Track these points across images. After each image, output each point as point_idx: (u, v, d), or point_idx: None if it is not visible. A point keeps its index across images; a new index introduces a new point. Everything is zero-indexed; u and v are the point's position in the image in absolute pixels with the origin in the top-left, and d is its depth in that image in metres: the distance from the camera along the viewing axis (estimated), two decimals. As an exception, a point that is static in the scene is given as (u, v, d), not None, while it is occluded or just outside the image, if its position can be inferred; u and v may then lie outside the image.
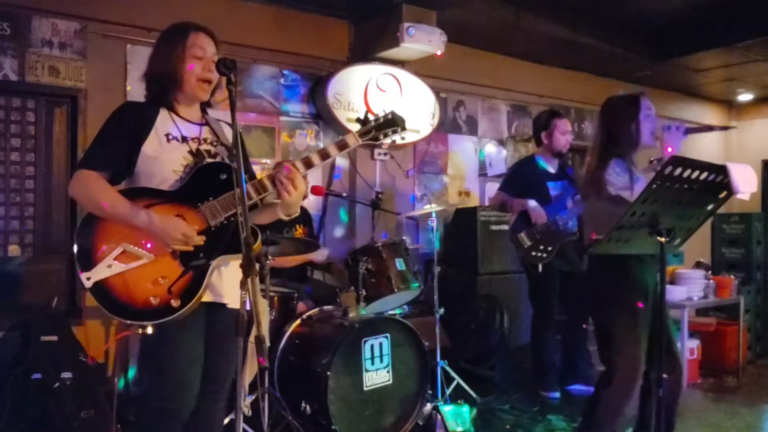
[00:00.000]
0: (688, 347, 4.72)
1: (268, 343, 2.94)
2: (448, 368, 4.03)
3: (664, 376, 2.51)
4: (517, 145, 6.62)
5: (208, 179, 2.04)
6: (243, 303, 1.71)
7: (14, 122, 4.19)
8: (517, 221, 4.35)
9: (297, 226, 4.20)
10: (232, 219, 2.01)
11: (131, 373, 3.95)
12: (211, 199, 2.03)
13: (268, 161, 5.01)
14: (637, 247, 2.54)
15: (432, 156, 6.00)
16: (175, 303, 1.95)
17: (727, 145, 8.91)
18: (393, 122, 2.19)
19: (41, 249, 4.27)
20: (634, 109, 2.86)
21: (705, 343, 5.00)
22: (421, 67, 5.62)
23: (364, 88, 5.29)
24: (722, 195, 2.43)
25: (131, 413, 3.45)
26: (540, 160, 4.48)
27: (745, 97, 8.50)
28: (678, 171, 2.23)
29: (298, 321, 3.56)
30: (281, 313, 3.62)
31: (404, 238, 4.58)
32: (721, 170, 2.31)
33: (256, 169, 4.68)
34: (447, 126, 6.10)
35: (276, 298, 3.60)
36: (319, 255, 4.20)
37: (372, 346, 3.38)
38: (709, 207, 2.51)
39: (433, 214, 4.06)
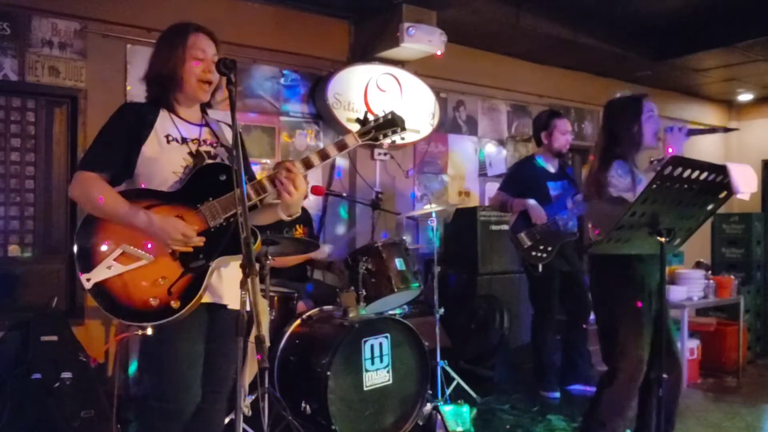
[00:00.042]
0: (688, 347, 4.73)
1: (268, 343, 2.94)
2: (448, 368, 4.03)
3: (664, 376, 2.51)
4: (517, 145, 6.62)
5: (207, 180, 2.04)
6: (243, 303, 1.71)
7: (14, 122, 4.19)
8: (517, 221, 4.35)
9: (297, 226, 4.20)
10: (232, 220, 2.01)
11: (131, 371, 3.95)
12: (210, 200, 2.03)
13: (268, 161, 5.01)
14: (637, 247, 2.54)
15: (432, 156, 6.00)
16: (174, 304, 1.95)
17: (727, 145, 8.91)
18: (393, 122, 2.18)
19: (41, 249, 4.27)
20: (637, 110, 2.86)
21: (705, 343, 5.00)
22: (421, 67, 5.62)
23: (364, 88, 5.28)
24: (722, 195, 2.43)
25: (131, 413, 3.45)
26: (540, 160, 4.48)
27: (745, 97, 8.50)
28: (678, 171, 2.24)
29: (298, 321, 3.56)
30: (281, 313, 3.62)
31: (404, 238, 4.58)
32: (721, 170, 2.31)
33: (256, 169, 4.71)
34: (447, 126, 6.09)
35: (276, 298, 3.60)
36: (321, 252, 4.20)
37: (372, 346, 3.38)
38: (709, 207, 2.51)
39: (433, 214, 4.06)
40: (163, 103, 2.13)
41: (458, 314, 4.94)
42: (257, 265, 1.72)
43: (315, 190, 4.18)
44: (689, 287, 4.77)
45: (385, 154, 5.60)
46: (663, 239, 2.41)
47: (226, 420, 2.55)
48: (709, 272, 5.24)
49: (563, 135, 4.41)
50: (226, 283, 2.11)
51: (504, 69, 6.44)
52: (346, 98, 5.21)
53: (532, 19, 5.53)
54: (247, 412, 1.83)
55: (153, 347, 2.07)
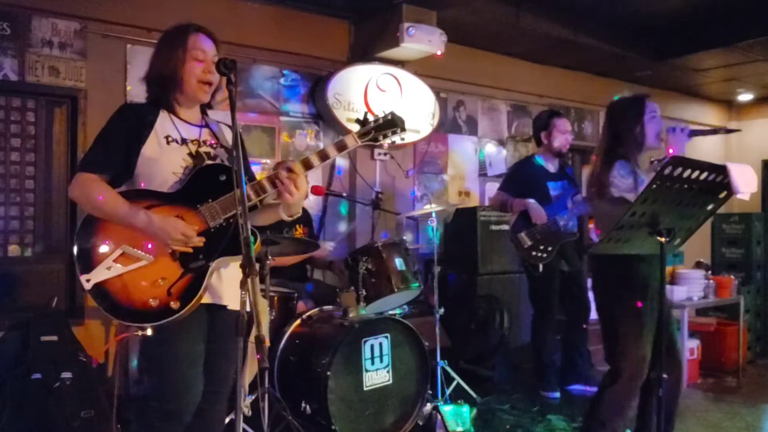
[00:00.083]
0: (688, 347, 4.73)
1: (268, 343, 2.94)
2: (448, 368, 4.03)
3: (664, 376, 2.51)
4: (517, 145, 6.62)
5: (207, 181, 2.04)
6: (243, 303, 1.71)
7: (14, 122, 4.19)
8: (517, 221, 4.35)
9: (297, 226, 4.20)
10: (232, 220, 2.01)
11: (135, 365, 3.95)
12: (210, 200, 2.03)
13: (268, 161, 5.01)
14: (637, 247, 2.54)
15: (432, 156, 6.00)
16: (174, 304, 1.95)
17: (727, 145, 8.91)
18: (392, 123, 2.18)
19: (41, 249, 4.27)
20: (639, 110, 2.86)
21: (705, 343, 5.00)
22: (421, 67, 5.62)
23: (364, 88, 5.29)
24: (722, 195, 2.43)
25: (131, 414, 3.45)
26: (540, 160, 4.48)
27: (745, 97, 8.49)
28: (678, 171, 2.24)
29: (298, 321, 3.56)
30: (281, 313, 3.61)
31: (404, 238, 4.58)
32: (721, 170, 2.31)
33: (256, 169, 4.71)
34: (447, 126, 6.09)
35: (276, 298, 3.60)
36: (324, 249, 4.20)
37: (372, 346, 3.38)
38: (709, 207, 2.51)
39: (433, 214, 4.06)
40: (163, 104, 2.13)
41: (458, 314, 4.94)
42: (257, 265, 1.72)
43: (315, 190, 4.17)
44: (689, 287, 4.77)
45: (385, 154, 5.60)
46: (663, 239, 2.41)
47: (226, 420, 2.55)
48: (709, 272, 5.24)
49: (563, 134, 4.41)
50: (226, 284, 2.11)
51: (504, 69, 6.44)
52: (346, 98, 5.21)
53: (532, 19, 5.53)
54: (247, 412, 1.83)
55: (153, 348, 2.07)
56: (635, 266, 2.71)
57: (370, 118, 2.18)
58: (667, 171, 2.22)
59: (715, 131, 3.45)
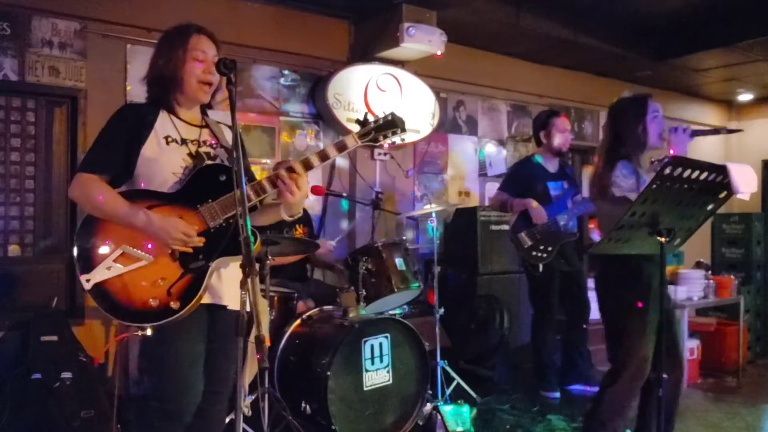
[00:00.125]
0: (688, 347, 4.73)
1: (268, 343, 2.94)
2: (448, 368, 4.03)
3: (664, 376, 2.51)
4: (517, 145, 6.62)
5: (207, 181, 2.04)
6: (243, 303, 1.71)
7: (14, 122, 4.20)
8: (517, 221, 4.35)
9: (297, 226, 4.20)
10: (231, 221, 2.01)
11: (132, 371, 3.95)
12: (210, 200, 2.03)
13: (268, 161, 5.01)
14: (637, 247, 2.54)
15: (432, 156, 6.00)
16: (174, 305, 1.95)
17: (727, 145, 8.92)
18: (393, 123, 2.18)
19: (41, 249, 4.27)
20: (642, 110, 2.86)
21: (705, 343, 5.00)
22: (421, 67, 5.62)
23: (364, 88, 5.29)
24: (722, 195, 2.43)
25: (132, 414, 3.45)
26: (540, 160, 4.48)
27: (745, 97, 8.50)
28: (678, 171, 2.24)
29: (298, 321, 3.56)
30: (281, 313, 3.61)
31: (404, 238, 4.58)
32: (721, 170, 2.31)
33: (256, 169, 4.70)
34: (447, 126, 6.10)
35: (276, 298, 3.60)
36: (326, 247, 4.20)
37: (372, 346, 3.38)
38: (709, 207, 2.51)
39: (433, 214, 4.06)
40: (163, 104, 2.14)
41: (458, 314, 4.94)
42: (257, 266, 1.72)
43: (315, 190, 4.17)
44: (689, 287, 4.77)
45: (385, 154, 5.60)
46: (663, 239, 2.41)
47: (226, 420, 2.55)
48: (709, 272, 5.24)
49: (562, 133, 4.41)
50: (226, 284, 2.11)
51: (504, 69, 6.44)
52: (346, 98, 5.21)
53: (532, 19, 5.54)
54: (247, 412, 1.83)
55: (153, 348, 2.07)
56: (640, 266, 2.71)
57: (371, 118, 2.18)
58: (667, 171, 2.22)
59: (717, 131, 3.45)
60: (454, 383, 4.09)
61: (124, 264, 1.97)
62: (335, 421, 3.15)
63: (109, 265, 1.96)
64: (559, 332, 4.56)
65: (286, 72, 5.17)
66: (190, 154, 2.11)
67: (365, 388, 3.34)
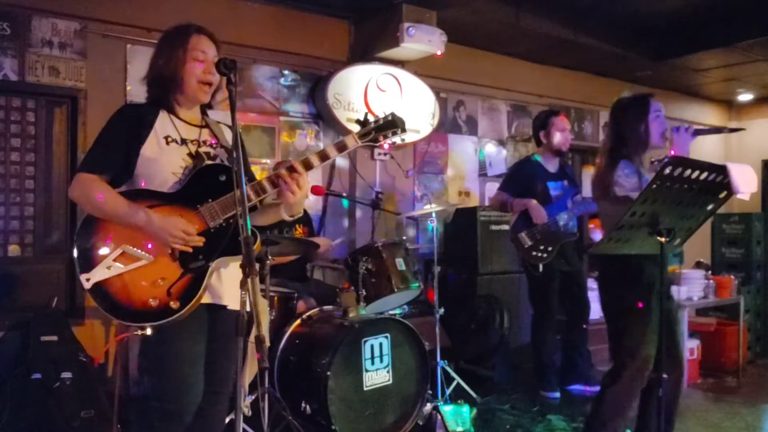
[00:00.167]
0: (688, 347, 4.73)
1: (268, 343, 2.94)
2: (448, 368, 4.03)
3: (664, 376, 2.51)
4: (517, 145, 6.62)
5: (207, 181, 2.04)
6: (243, 303, 1.71)
7: (14, 122, 4.20)
8: (517, 221, 4.35)
9: (297, 226, 4.20)
10: (232, 221, 2.01)
11: (132, 371, 3.95)
12: (210, 200, 2.03)
13: (268, 161, 5.01)
14: (637, 247, 2.54)
15: (432, 156, 6.00)
16: (174, 304, 1.95)
17: (727, 145, 8.92)
18: (393, 124, 2.18)
19: (41, 249, 4.27)
20: (644, 109, 2.85)
21: (705, 343, 5.00)
22: (421, 67, 5.62)
23: (364, 88, 5.29)
24: (722, 195, 2.43)
25: (132, 414, 3.45)
26: (540, 159, 4.48)
27: (745, 97, 8.50)
28: (678, 171, 2.24)
29: (298, 321, 3.56)
30: (281, 313, 3.62)
31: (404, 238, 4.58)
32: (721, 170, 2.31)
33: (256, 169, 4.71)
34: (447, 126, 6.10)
35: (276, 298, 3.60)
36: (325, 245, 4.20)
37: (372, 346, 3.38)
38: (709, 207, 2.51)
39: (433, 214, 4.06)
40: (163, 104, 2.14)
41: (458, 314, 4.95)
42: (257, 266, 1.72)
43: (315, 190, 4.17)
44: (689, 287, 4.77)
45: (385, 154, 5.60)
46: (663, 239, 2.41)
47: (226, 420, 2.55)
48: (709, 272, 5.24)
49: (562, 133, 4.40)
50: (226, 284, 2.11)
51: (504, 69, 6.44)
52: (346, 98, 5.21)
53: (532, 19, 5.54)
54: (247, 412, 1.83)
55: (153, 348, 2.07)
56: (641, 265, 2.70)
57: (371, 118, 2.19)
58: (666, 171, 2.22)
59: (719, 130, 3.45)
60: (454, 383, 4.09)
61: (124, 263, 1.97)
62: (335, 421, 3.15)
63: (109, 264, 1.96)
64: (559, 332, 4.56)
65: (286, 72, 5.17)
66: (190, 154, 2.11)
67: (365, 388, 3.34)
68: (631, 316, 2.74)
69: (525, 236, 4.26)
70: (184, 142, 2.11)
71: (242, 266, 1.71)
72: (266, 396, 2.82)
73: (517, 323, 5.16)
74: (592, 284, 4.91)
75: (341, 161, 5.42)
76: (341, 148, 2.14)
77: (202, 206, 2.02)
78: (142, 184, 2.06)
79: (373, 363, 3.38)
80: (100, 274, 1.96)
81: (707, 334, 5.08)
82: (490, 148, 6.43)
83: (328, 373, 3.15)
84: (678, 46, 6.35)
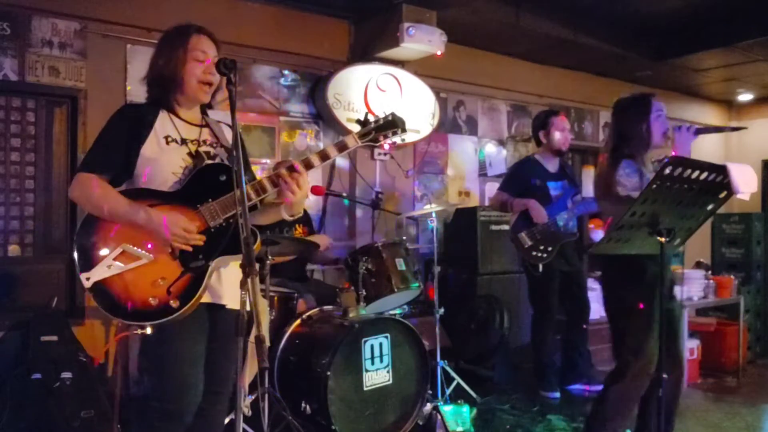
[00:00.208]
0: (688, 347, 4.73)
1: (268, 343, 2.94)
2: (448, 368, 4.03)
3: (664, 376, 2.51)
4: (517, 145, 6.62)
5: (207, 181, 2.04)
6: (243, 303, 1.71)
7: (14, 122, 4.20)
8: (517, 221, 4.35)
9: (297, 226, 4.20)
10: (232, 220, 2.01)
11: (132, 371, 3.95)
12: (210, 200, 2.03)
13: (268, 161, 5.01)
14: (637, 247, 2.54)
15: (432, 156, 6.00)
16: (174, 303, 1.95)
17: (727, 145, 8.92)
18: (393, 124, 2.19)
19: (41, 249, 4.27)
20: (645, 109, 2.85)
21: (705, 343, 5.00)
22: (421, 67, 5.62)
23: (364, 88, 5.29)
24: (722, 195, 2.43)
25: (132, 414, 3.45)
26: (540, 159, 4.48)
27: (745, 97, 8.50)
28: (678, 171, 2.24)
29: (298, 321, 3.56)
30: (281, 313, 3.62)
31: (404, 238, 4.58)
32: (721, 170, 2.31)
33: (256, 169, 4.71)
34: (447, 126, 6.10)
35: (276, 298, 3.60)
36: (324, 242, 4.20)
37: (372, 346, 3.38)
38: (709, 207, 2.51)
39: (433, 214, 4.06)
40: (163, 104, 2.14)
41: (458, 314, 4.95)
42: (257, 266, 1.72)
43: (315, 190, 4.17)
44: (689, 287, 4.77)
45: (385, 154, 5.60)
46: (663, 239, 2.41)
47: (226, 420, 2.55)
48: (709, 272, 5.24)
49: (561, 132, 4.40)
50: (226, 284, 2.11)
51: (504, 69, 6.44)
52: (346, 98, 5.21)
53: (532, 19, 5.54)
54: (247, 412, 1.83)
55: (153, 347, 2.07)
56: (643, 265, 2.70)
57: (371, 118, 2.19)
58: (666, 171, 2.22)
59: (721, 129, 3.45)
60: (454, 383, 4.09)
61: (124, 262, 1.97)
62: (335, 421, 3.15)
63: (109, 263, 1.96)
64: (559, 332, 4.56)
65: (286, 72, 5.18)
66: (190, 154, 2.11)
67: (365, 388, 3.34)
68: (633, 315, 2.74)
69: (525, 236, 4.26)
70: (184, 141, 2.11)
71: (242, 266, 1.71)
72: (266, 396, 2.82)
73: (517, 323, 5.16)
74: (592, 284, 4.91)
75: (341, 161, 5.42)
76: (341, 147, 2.14)
77: (202, 206, 2.02)
78: (145, 177, 2.05)
79: (373, 363, 3.38)
80: (100, 273, 1.96)
81: (707, 334, 5.08)
82: (490, 148, 6.43)
83: (328, 373, 3.15)
84: (678, 46, 6.35)
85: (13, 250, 4.19)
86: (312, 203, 5.11)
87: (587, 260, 4.65)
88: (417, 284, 3.78)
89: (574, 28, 5.82)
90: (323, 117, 5.31)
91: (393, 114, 2.20)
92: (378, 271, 3.67)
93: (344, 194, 4.96)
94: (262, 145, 5.04)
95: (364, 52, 5.36)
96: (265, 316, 3.25)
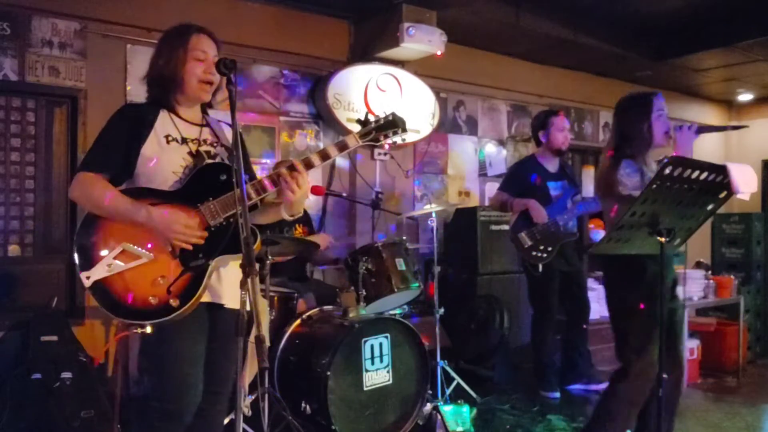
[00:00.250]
0: (688, 347, 4.73)
1: (268, 343, 2.94)
2: (448, 368, 4.03)
3: (664, 376, 2.51)
4: (517, 145, 6.62)
5: (207, 180, 2.04)
6: (243, 303, 1.71)
7: (14, 122, 4.20)
8: (517, 221, 4.35)
9: (297, 226, 4.20)
10: (232, 219, 2.01)
11: (132, 371, 3.95)
12: (210, 199, 2.03)
13: (268, 161, 5.01)
14: (637, 247, 2.54)
15: (432, 156, 6.00)
16: (174, 303, 1.95)
17: (727, 145, 8.92)
18: (393, 124, 2.19)
19: (41, 249, 4.27)
20: (647, 108, 2.85)
21: (705, 343, 5.00)
22: (421, 67, 5.62)
23: (364, 88, 5.29)
24: (722, 195, 2.43)
25: (132, 414, 3.45)
26: (540, 159, 4.48)
27: (745, 97, 8.50)
28: (678, 171, 2.24)
29: (298, 321, 3.56)
30: (281, 313, 3.62)
31: (404, 238, 4.58)
32: (721, 170, 2.31)
33: (256, 169, 4.70)
34: (447, 126, 6.10)
35: (276, 298, 3.60)
36: (324, 242, 4.20)
37: (372, 346, 3.38)
38: (709, 207, 2.51)
39: (433, 214, 4.06)
40: (163, 104, 2.14)
41: (458, 314, 4.95)
42: (257, 266, 1.72)
43: (315, 190, 4.17)
44: (689, 287, 4.77)
45: (385, 154, 5.60)
46: (663, 239, 2.41)
47: (226, 420, 2.56)
48: (709, 272, 5.24)
49: (561, 132, 4.40)
50: (226, 283, 2.10)
51: (504, 69, 6.44)
52: (346, 98, 5.21)
53: (532, 19, 5.54)
54: (247, 412, 1.83)
55: (153, 347, 2.07)
56: (644, 265, 2.70)
57: (371, 118, 2.19)
58: (666, 171, 2.22)
59: (723, 128, 3.45)
60: (454, 383, 4.09)
61: (125, 261, 1.97)
62: (335, 421, 3.15)
63: (109, 262, 1.96)
64: (559, 332, 4.56)
65: (286, 72, 5.18)
66: (190, 153, 2.11)
67: (365, 388, 3.34)
68: (634, 315, 2.74)
69: (525, 236, 4.26)
70: (184, 141, 2.11)
71: (242, 266, 1.71)
72: (266, 396, 2.82)
73: (517, 323, 5.16)
74: (592, 284, 4.91)
75: (341, 161, 5.42)
76: (342, 147, 2.14)
77: (202, 205, 2.02)
78: (142, 184, 2.05)
79: (373, 363, 3.38)
80: (100, 272, 1.96)
81: (707, 334, 5.08)
82: (490, 148, 6.44)
83: (328, 373, 3.15)
84: (678, 46, 6.35)
85: (13, 250, 4.19)
86: (312, 203, 5.11)
87: (587, 260, 4.65)
88: (417, 284, 3.78)
89: (574, 28, 5.82)
90: (323, 117, 5.31)
91: (393, 114, 2.20)
92: (378, 271, 3.67)
93: (344, 194, 4.96)
94: (262, 145, 5.04)
95: (364, 52, 5.36)
96: (265, 316, 3.25)
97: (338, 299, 3.61)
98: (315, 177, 5.14)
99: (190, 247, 1.99)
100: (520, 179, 4.44)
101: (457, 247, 5.53)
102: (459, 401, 3.78)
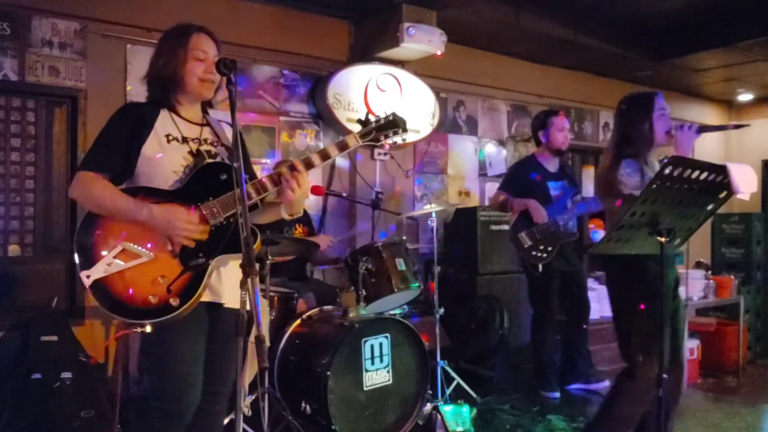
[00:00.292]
0: (688, 347, 4.73)
1: (268, 343, 2.94)
2: (448, 368, 4.03)
3: (664, 376, 2.51)
4: (517, 145, 6.62)
5: (208, 179, 2.04)
6: (243, 303, 1.71)
7: (14, 122, 4.20)
8: (517, 221, 4.35)
9: (297, 226, 4.20)
10: (232, 219, 2.01)
11: (132, 370, 3.95)
12: (211, 199, 2.03)
13: (268, 161, 5.01)
14: (637, 247, 2.54)
15: (432, 156, 6.00)
16: (174, 302, 1.95)
17: (727, 145, 8.92)
18: (394, 123, 2.19)
19: (41, 249, 4.27)
20: (648, 107, 2.85)
21: (705, 343, 5.00)
22: (421, 67, 5.62)
23: (364, 88, 5.29)
24: (722, 195, 2.43)
25: (132, 414, 3.45)
26: (540, 159, 4.48)
27: (745, 97, 8.50)
28: (678, 171, 2.23)
29: (298, 321, 3.56)
30: (281, 313, 3.62)
31: (404, 238, 4.58)
32: (721, 170, 2.31)
33: (257, 169, 4.70)
34: (447, 126, 6.10)
35: (276, 298, 3.60)
36: (324, 242, 4.20)
37: (372, 346, 3.38)
38: (709, 207, 2.51)
39: (433, 214, 4.06)
40: (164, 103, 2.14)
41: (458, 314, 4.95)
42: (257, 265, 1.72)
43: (315, 190, 4.17)
44: (689, 287, 4.77)
45: (385, 154, 5.60)
46: (663, 239, 2.41)
47: (226, 420, 2.55)
48: (709, 272, 5.24)
49: (561, 132, 4.41)
50: (226, 283, 2.10)
51: (504, 69, 6.44)
52: (346, 98, 5.21)
53: (532, 19, 5.54)
54: (247, 412, 1.83)
55: (153, 347, 2.07)
56: (645, 265, 2.70)
57: (372, 118, 2.19)
58: (666, 171, 2.22)
59: (724, 127, 3.44)
60: (454, 383, 4.09)
61: (125, 261, 1.97)
62: (335, 421, 3.15)
63: (109, 261, 1.96)
64: (559, 332, 4.56)
65: (286, 72, 5.17)
66: (190, 152, 2.11)
67: (365, 388, 3.34)
68: (637, 315, 2.73)
69: (525, 236, 4.26)
70: (185, 140, 2.11)
71: (242, 266, 1.71)
72: (266, 396, 2.82)
73: (517, 323, 5.16)
74: (592, 284, 4.91)
75: (341, 161, 5.42)
76: (342, 147, 2.14)
77: (202, 204, 2.02)
78: (143, 183, 2.05)
79: (373, 363, 3.38)
80: (100, 271, 1.96)
81: (707, 334, 5.08)
82: (490, 148, 6.43)
83: (328, 373, 3.15)
84: (678, 46, 6.35)
85: (13, 250, 4.19)
86: (312, 203, 5.11)
87: (587, 260, 4.65)
88: (417, 284, 3.78)
89: (574, 28, 5.82)
90: (323, 117, 5.31)
91: (394, 114, 2.20)
92: (378, 271, 3.67)
93: (344, 194, 4.96)
94: (262, 145, 5.04)
95: (364, 52, 5.36)
96: (265, 316, 3.25)
97: (338, 299, 3.61)
98: (315, 177, 5.14)
99: (193, 244, 1.99)
100: (520, 179, 4.44)
101: (457, 247, 5.53)
102: (459, 401, 3.78)
